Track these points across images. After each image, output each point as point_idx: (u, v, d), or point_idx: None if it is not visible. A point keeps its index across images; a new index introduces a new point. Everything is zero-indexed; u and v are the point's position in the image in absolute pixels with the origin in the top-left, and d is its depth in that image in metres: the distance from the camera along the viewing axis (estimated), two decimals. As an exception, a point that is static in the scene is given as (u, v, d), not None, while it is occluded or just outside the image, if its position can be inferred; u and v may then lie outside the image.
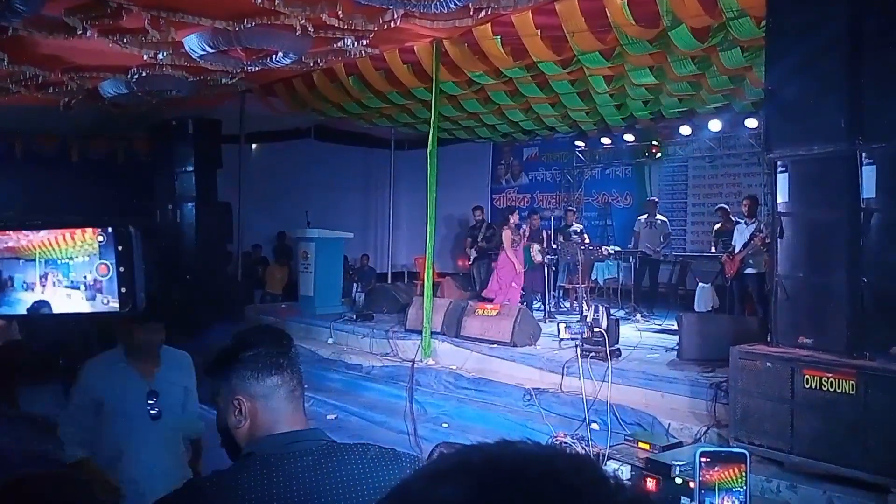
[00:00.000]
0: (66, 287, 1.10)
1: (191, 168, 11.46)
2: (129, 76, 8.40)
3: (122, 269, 1.06)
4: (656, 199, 11.24)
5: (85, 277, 1.08)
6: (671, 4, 6.00)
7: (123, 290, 1.07)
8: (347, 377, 8.06)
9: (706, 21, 6.17)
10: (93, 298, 1.09)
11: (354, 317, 9.70)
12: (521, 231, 9.71)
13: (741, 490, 2.02)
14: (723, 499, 2.01)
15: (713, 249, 9.70)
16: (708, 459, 2.03)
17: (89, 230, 1.06)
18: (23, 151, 12.04)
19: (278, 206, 12.59)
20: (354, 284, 11.43)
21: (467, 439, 5.84)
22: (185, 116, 11.35)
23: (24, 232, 1.09)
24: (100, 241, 1.06)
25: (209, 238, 11.47)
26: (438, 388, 7.27)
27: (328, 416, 7.17)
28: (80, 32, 6.55)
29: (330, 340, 9.25)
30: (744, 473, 2.03)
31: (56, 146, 12.34)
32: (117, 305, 1.08)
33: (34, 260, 1.10)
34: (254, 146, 13.19)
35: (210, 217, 11.49)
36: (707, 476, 2.01)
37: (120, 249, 1.06)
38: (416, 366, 7.64)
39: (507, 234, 9.38)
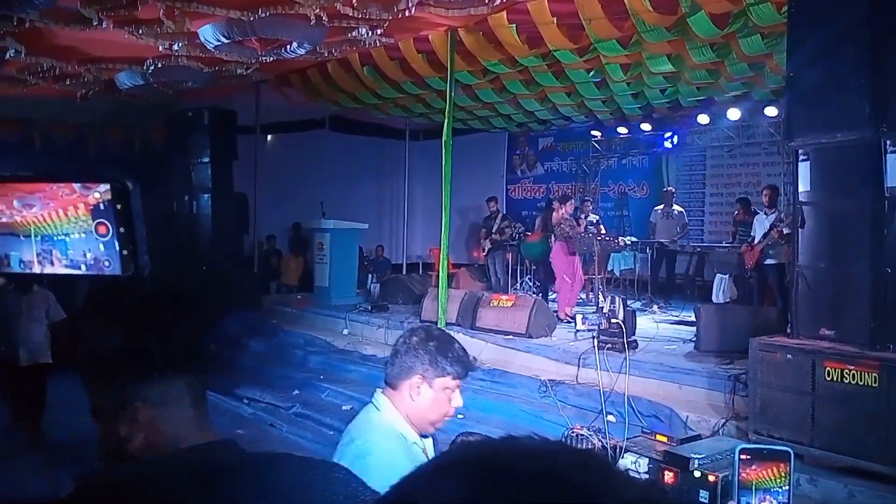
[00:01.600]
0: (66, 266, 1.04)
1: (206, 159, 11.52)
2: (144, 67, 8.42)
3: (121, 229, 0.99)
4: (672, 190, 11.13)
5: (84, 255, 1.02)
6: (690, -10, 5.90)
7: (125, 252, 1.00)
8: (363, 367, 8.05)
9: (726, 7, 6.06)
10: (98, 272, 1.03)
11: (370, 308, 9.71)
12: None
13: (782, 490, 1.94)
14: (761, 499, 1.93)
15: (731, 240, 9.60)
16: (748, 457, 1.96)
17: (89, 195, 1.00)
18: (41, 140, 12.13)
19: (294, 197, 12.61)
20: (369, 275, 11.46)
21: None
22: (200, 107, 11.38)
23: (16, 207, 1.04)
24: (101, 205, 0.99)
25: (225, 229, 11.51)
26: (454, 379, 7.24)
27: (344, 407, 7.17)
28: (95, 23, 6.57)
29: (345, 331, 9.26)
30: (786, 473, 1.95)
31: (73, 135, 12.43)
32: (119, 268, 1.02)
33: (30, 237, 1.05)
34: (269, 137, 13.21)
35: (226, 208, 11.54)
36: (744, 475, 1.94)
37: (119, 208, 0.99)
38: (431, 356, 7.62)
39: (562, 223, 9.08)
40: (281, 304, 10.98)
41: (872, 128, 4.53)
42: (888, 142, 4.47)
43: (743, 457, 1.95)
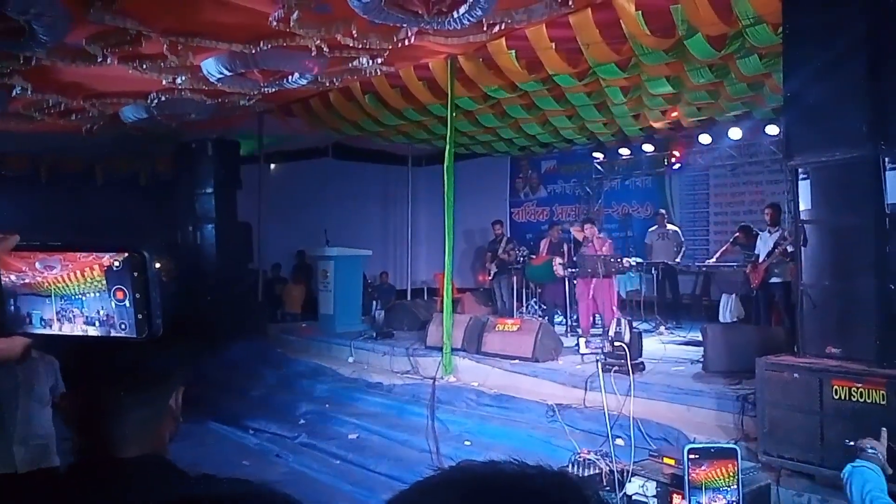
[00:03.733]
0: (84, 323, 1.12)
1: (210, 189, 11.60)
2: (149, 101, 8.54)
3: (137, 295, 1.08)
4: (663, 212, 11.13)
5: (98, 312, 1.11)
6: (686, 13, 5.95)
7: (140, 316, 1.08)
8: (368, 395, 8.01)
9: (722, 29, 6.11)
10: (107, 331, 1.11)
11: (374, 335, 9.68)
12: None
13: (730, 489, 1.93)
14: (711, 499, 1.92)
15: (721, 253, 9.60)
16: (696, 456, 1.95)
17: (105, 257, 1.09)
18: (47, 174, 12.26)
19: (298, 225, 12.67)
20: (374, 302, 11.44)
21: (490, 457, 5.77)
22: (204, 138, 11.50)
23: (38, 268, 1.12)
24: (115, 267, 1.08)
25: (229, 258, 11.56)
26: (460, 406, 7.21)
27: (350, 436, 7.14)
28: (100, 60, 6.68)
29: (350, 359, 9.24)
30: (734, 472, 1.94)
31: (80, 168, 12.56)
32: (135, 332, 1.09)
33: (50, 296, 1.14)
34: (272, 166, 13.31)
35: (230, 237, 11.60)
36: (695, 474, 1.93)
37: (136, 275, 1.08)
38: (437, 383, 7.60)
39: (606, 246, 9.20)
40: (286, 332, 10.97)
41: (871, 145, 4.55)
42: (887, 159, 4.49)
43: (692, 456, 1.95)
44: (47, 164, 12.24)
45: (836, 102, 4.76)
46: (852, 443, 2.47)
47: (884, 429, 2.56)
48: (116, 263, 1.10)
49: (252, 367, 9.75)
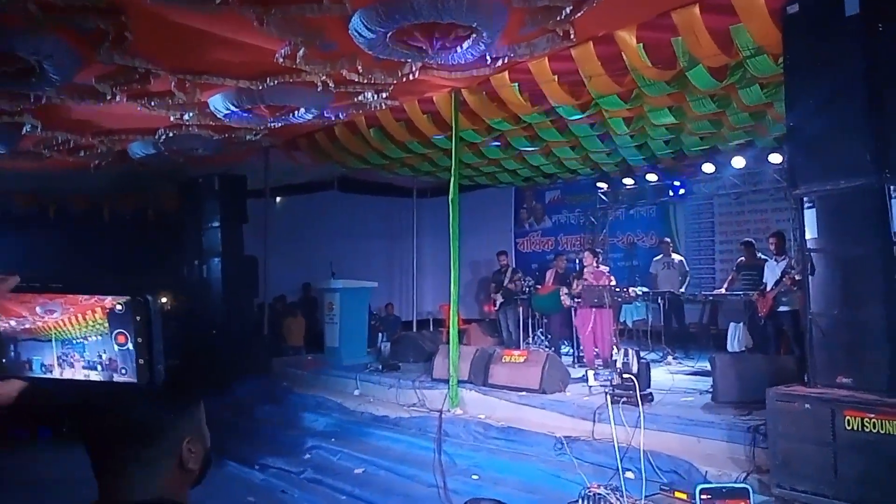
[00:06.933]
0: (84, 368, 1.12)
1: (217, 224, 11.66)
2: (156, 137, 8.63)
3: (139, 339, 1.07)
4: (668, 240, 11.13)
5: (100, 356, 1.10)
6: (687, 45, 6.02)
7: (141, 361, 1.08)
8: (375, 429, 7.94)
9: (723, 60, 6.17)
10: (110, 375, 1.10)
11: (380, 367, 9.63)
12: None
13: None
14: None
15: (727, 283, 9.57)
16: (708, 497, 1.94)
17: (107, 300, 1.08)
18: (55, 211, 12.37)
19: (304, 258, 12.70)
20: (380, 334, 11.40)
21: (498, 492, 5.70)
22: (211, 173, 11.59)
23: (38, 313, 1.12)
24: (118, 311, 1.07)
25: (235, 292, 11.57)
26: (468, 439, 7.13)
27: (356, 471, 7.06)
28: (109, 98, 6.77)
29: (356, 392, 9.18)
30: None
31: (87, 205, 12.66)
32: (135, 377, 1.09)
33: (50, 340, 1.13)
34: (278, 199, 13.40)
35: (236, 272, 11.62)
36: None
37: (138, 320, 1.07)
38: (443, 416, 7.53)
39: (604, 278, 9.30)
40: (292, 366, 10.93)
41: (875, 174, 4.56)
42: (892, 187, 4.49)
43: (704, 497, 1.93)
44: (55, 201, 12.35)
45: (839, 132, 4.79)
46: None
47: None
48: (119, 307, 1.08)
49: (257, 400, 9.70)
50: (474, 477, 6.43)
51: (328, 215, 13.85)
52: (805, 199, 5.00)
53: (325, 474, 7.07)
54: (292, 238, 12.69)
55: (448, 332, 8.34)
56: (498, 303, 11.01)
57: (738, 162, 10.41)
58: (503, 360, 8.01)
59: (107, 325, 1.08)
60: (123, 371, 1.10)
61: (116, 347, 1.10)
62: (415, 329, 13.54)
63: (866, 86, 4.66)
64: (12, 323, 1.12)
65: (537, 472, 6.17)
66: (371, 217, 14.83)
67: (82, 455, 1.19)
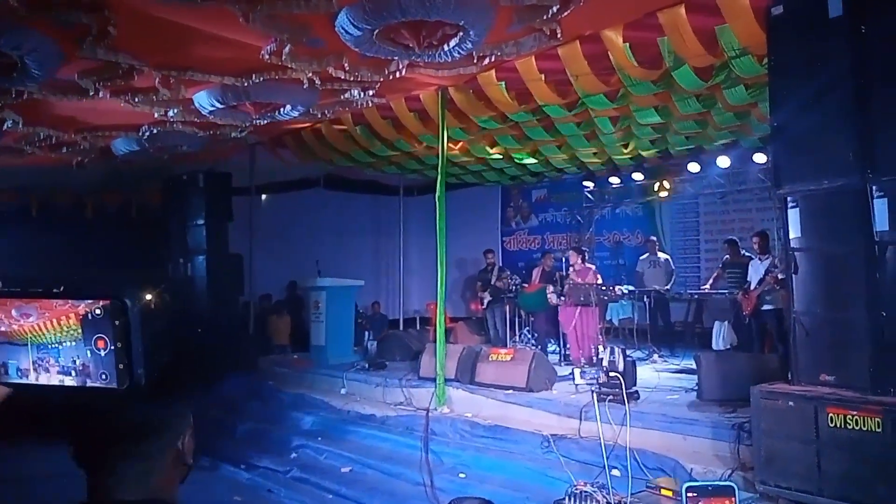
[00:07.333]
0: (59, 373, 1.10)
1: (202, 221, 11.57)
2: (140, 133, 8.54)
3: (118, 344, 1.05)
4: (654, 239, 11.20)
5: (74, 361, 1.08)
6: (673, 45, 6.05)
7: (121, 366, 1.06)
8: (361, 428, 7.93)
9: (708, 60, 6.21)
10: (83, 381, 1.08)
11: (367, 366, 9.61)
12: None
13: None
14: None
15: (713, 279, 9.67)
16: (694, 494, 1.95)
17: (81, 305, 1.06)
18: (38, 208, 12.23)
19: (290, 256, 12.63)
20: (366, 332, 11.37)
21: (485, 490, 5.71)
22: (196, 170, 11.51)
23: (14, 316, 1.10)
24: (96, 315, 1.05)
25: (221, 290, 11.50)
26: (454, 437, 7.13)
27: (343, 469, 7.04)
28: (92, 94, 6.70)
29: (343, 391, 9.15)
30: None
31: (70, 201, 12.54)
32: (115, 382, 1.07)
33: (26, 345, 1.11)
34: (264, 197, 13.32)
35: (221, 269, 11.54)
36: None
37: (117, 324, 1.05)
38: (430, 414, 7.52)
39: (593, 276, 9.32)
40: (278, 364, 10.88)
41: (858, 174, 4.60)
42: (874, 187, 4.53)
43: (690, 494, 1.95)
44: (38, 197, 12.22)
45: (822, 132, 4.82)
46: None
47: None
48: (97, 311, 1.06)
49: (243, 400, 9.65)
50: (461, 475, 6.43)
51: (314, 213, 13.79)
52: (789, 198, 5.04)
53: (312, 473, 7.05)
54: (278, 236, 12.63)
55: (435, 331, 8.35)
56: (486, 301, 11.02)
57: (723, 161, 10.49)
58: (490, 359, 8.02)
59: (80, 330, 1.06)
60: (103, 376, 1.08)
61: (90, 353, 1.08)
62: (401, 327, 13.53)
63: (850, 86, 4.69)
64: None
65: (524, 470, 6.18)
66: (357, 215, 14.79)
67: (67, 453, 1.18)
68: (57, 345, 1.08)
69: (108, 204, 13.01)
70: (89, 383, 1.06)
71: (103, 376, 1.05)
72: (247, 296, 11.70)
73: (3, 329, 1.10)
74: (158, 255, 12.17)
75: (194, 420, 1.32)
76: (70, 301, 1.06)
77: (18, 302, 1.08)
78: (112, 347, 1.05)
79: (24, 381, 1.10)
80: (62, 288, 1.09)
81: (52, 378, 1.09)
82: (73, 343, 1.07)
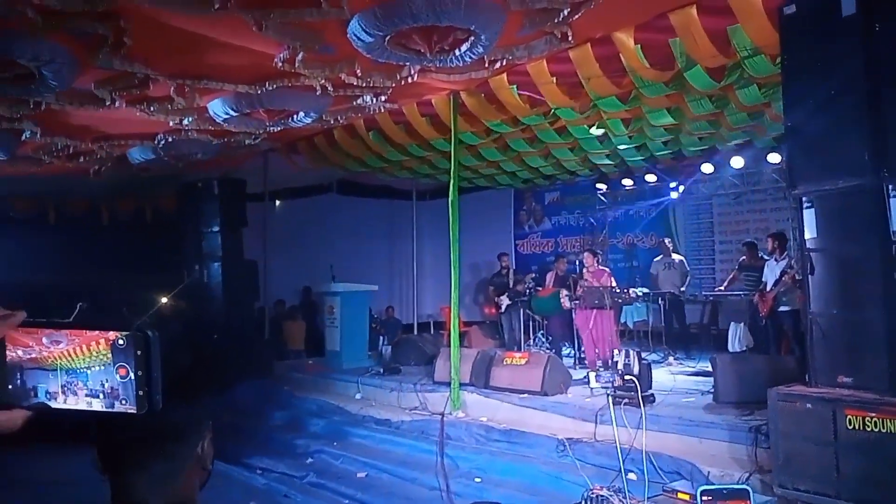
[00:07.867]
0: (86, 396, 1.18)
1: (217, 228, 11.67)
2: (155, 142, 8.64)
3: (140, 372, 1.13)
4: (668, 241, 11.15)
5: (102, 385, 1.16)
6: (685, 46, 6.03)
7: (141, 392, 1.13)
8: (376, 433, 7.94)
9: (721, 61, 6.18)
10: (111, 403, 1.16)
11: (381, 370, 9.62)
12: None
13: None
14: None
15: (728, 281, 9.62)
16: (709, 498, 1.95)
17: (110, 333, 1.14)
18: (55, 215, 12.39)
19: (304, 261, 12.69)
20: (381, 337, 11.40)
21: (500, 494, 5.70)
22: (210, 177, 11.61)
23: (44, 343, 1.17)
24: (120, 345, 1.13)
25: (236, 296, 11.58)
26: (470, 442, 7.13)
27: (358, 474, 7.06)
28: (108, 103, 6.78)
29: (358, 396, 9.17)
30: None
31: (86, 209, 12.68)
32: (135, 406, 1.14)
33: (56, 370, 1.19)
34: (278, 203, 13.40)
35: (236, 276, 11.63)
36: None
37: (139, 354, 1.13)
38: (445, 419, 7.53)
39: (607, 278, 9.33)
40: (292, 369, 10.92)
41: (874, 174, 4.56)
42: (890, 186, 4.49)
43: (705, 498, 1.95)
44: (54, 205, 12.38)
45: (837, 131, 4.79)
46: None
47: None
48: (121, 340, 1.14)
49: (259, 405, 9.69)
50: (477, 480, 6.43)
51: (328, 218, 13.85)
52: (804, 198, 5.00)
53: (328, 478, 7.06)
54: (292, 242, 12.69)
55: (449, 335, 8.35)
56: (504, 305, 10.97)
57: (737, 162, 10.43)
58: (504, 363, 8.01)
59: (110, 355, 1.14)
60: (124, 401, 1.16)
61: (118, 378, 1.16)
62: (415, 332, 13.55)
63: (864, 85, 4.66)
64: (19, 352, 1.17)
65: (539, 474, 6.17)
66: (371, 220, 14.82)
67: (83, 456, 1.21)
68: (86, 369, 1.16)
69: (123, 212, 13.15)
70: (116, 407, 1.14)
71: (124, 401, 1.13)
72: (262, 301, 11.76)
73: (33, 355, 1.19)
74: (174, 261, 12.28)
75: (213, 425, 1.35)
76: (101, 333, 1.15)
77: (48, 330, 1.16)
78: (134, 375, 1.13)
79: (52, 403, 1.17)
80: (88, 319, 1.16)
81: (79, 401, 1.16)
82: (102, 368, 1.15)
